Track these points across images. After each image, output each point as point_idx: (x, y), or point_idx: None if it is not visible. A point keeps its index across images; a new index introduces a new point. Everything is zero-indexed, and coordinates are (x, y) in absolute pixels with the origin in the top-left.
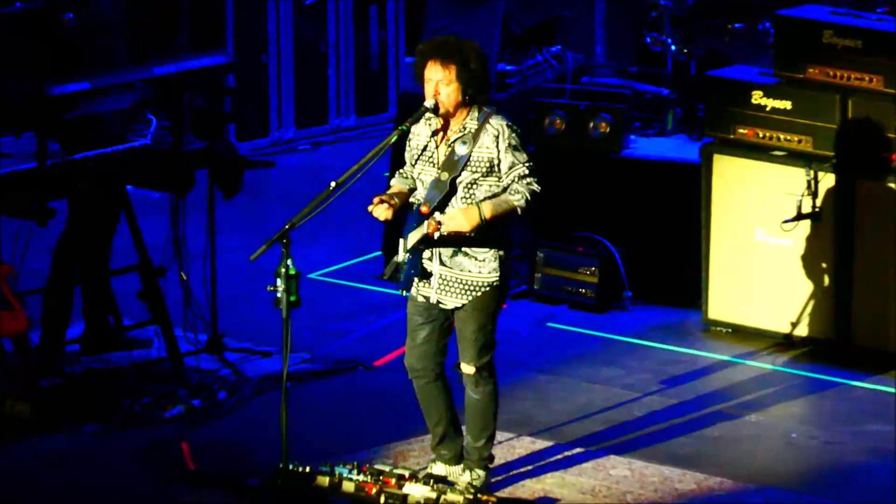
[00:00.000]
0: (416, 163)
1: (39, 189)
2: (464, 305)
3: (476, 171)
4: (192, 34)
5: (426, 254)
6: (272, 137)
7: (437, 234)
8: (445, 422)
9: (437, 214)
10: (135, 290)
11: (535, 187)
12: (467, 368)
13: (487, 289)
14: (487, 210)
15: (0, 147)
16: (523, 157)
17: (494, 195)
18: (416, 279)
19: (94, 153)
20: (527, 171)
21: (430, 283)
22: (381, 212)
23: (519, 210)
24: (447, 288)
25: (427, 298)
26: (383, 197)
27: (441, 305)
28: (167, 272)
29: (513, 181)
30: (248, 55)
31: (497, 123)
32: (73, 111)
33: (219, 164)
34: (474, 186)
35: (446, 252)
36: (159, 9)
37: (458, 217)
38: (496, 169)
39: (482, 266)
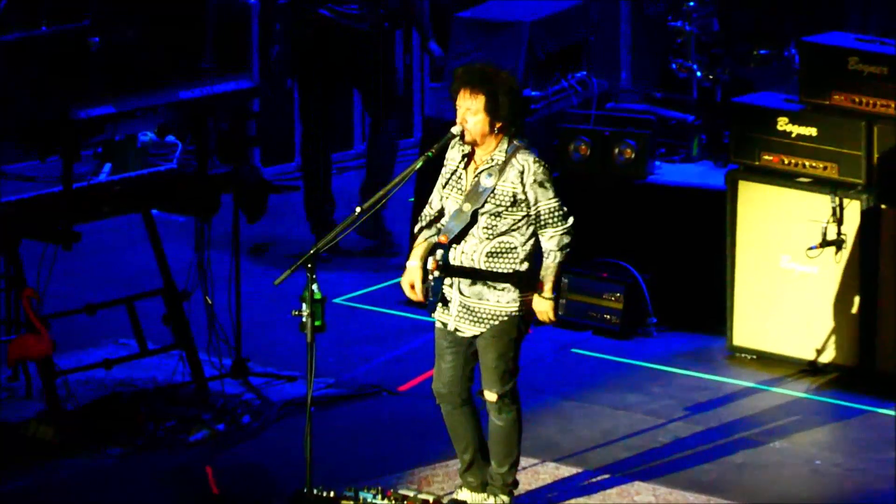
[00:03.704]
0: (445, 186)
1: (65, 212)
2: (482, 333)
3: (500, 205)
4: (216, 58)
5: (447, 281)
6: (297, 162)
7: (436, 273)
8: (473, 448)
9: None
10: (159, 314)
11: (565, 230)
12: (490, 395)
13: (506, 318)
14: (549, 291)
15: (25, 170)
16: (549, 193)
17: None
18: (438, 305)
19: (120, 177)
20: (553, 209)
21: (449, 310)
22: (415, 296)
23: (560, 263)
24: (465, 316)
25: (445, 325)
26: (411, 283)
27: (458, 333)
28: (191, 296)
29: (540, 219)
30: (273, 79)
31: (523, 159)
32: (98, 135)
33: (243, 189)
34: (497, 218)
35: (465, 281)
36: (184, 33)
37: (546, 314)
38: (519, 203)
39: (500, 296)
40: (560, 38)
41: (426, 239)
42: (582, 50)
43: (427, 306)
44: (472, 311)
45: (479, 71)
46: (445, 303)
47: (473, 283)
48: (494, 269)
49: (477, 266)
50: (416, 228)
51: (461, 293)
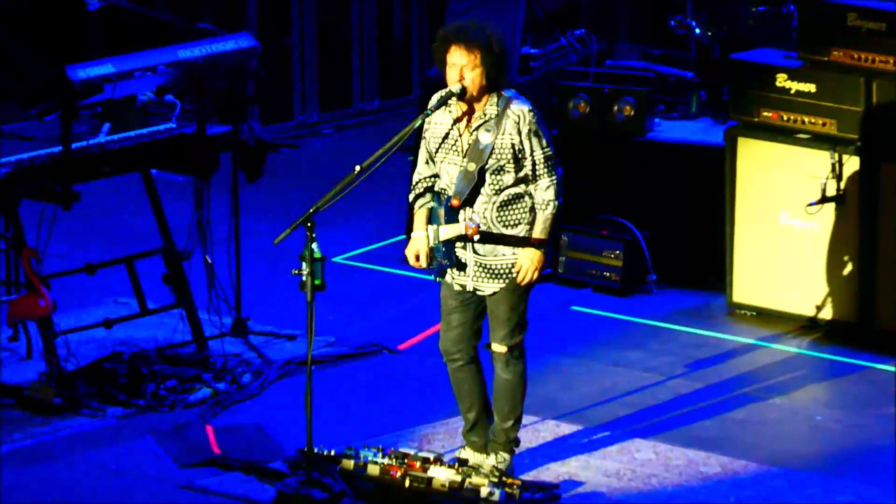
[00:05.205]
0: (437, 151)
1: (64, 172)
2: (501, 289)
3: (501, 159)
4: (215, 17)
5: (458, 243)
6: (296, 120)
7: (476, 237)
8: (477, 408)
9: (471, 215)
10: (159, 274)
11: (558, 180)
12: (499, 348)
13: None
14: (540, 242)
15: (24, 130)
16: (543, 142)
17: (526, 208)
18: (450, 269)
19: (119, 136)
20: (544, 159)
21: (465, 273)
22: (420, 265)
23: (554, 215)
24: (483, 274)
25: (463, 287)
26: (417, 253)
27: (478, 292)
28: (191, 255)
29: (535, 169)
30: (272, 38)
31: (518, 108)
32: (97, 95)
33: (242, 148)
34: (501, 173)
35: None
36: None
37: (531, 266)
38: (520, 155)
39: (517, 249)
40: None
41: (423, 206)
42: (580, 8)
43: (434, 273)
44: (489, 269)
45: (468, 27)
46: (462, 266)
47: (487, 241)
48: (507, 220)
49: (489, 222)
50: (411, 198)
51: (476, 252)
